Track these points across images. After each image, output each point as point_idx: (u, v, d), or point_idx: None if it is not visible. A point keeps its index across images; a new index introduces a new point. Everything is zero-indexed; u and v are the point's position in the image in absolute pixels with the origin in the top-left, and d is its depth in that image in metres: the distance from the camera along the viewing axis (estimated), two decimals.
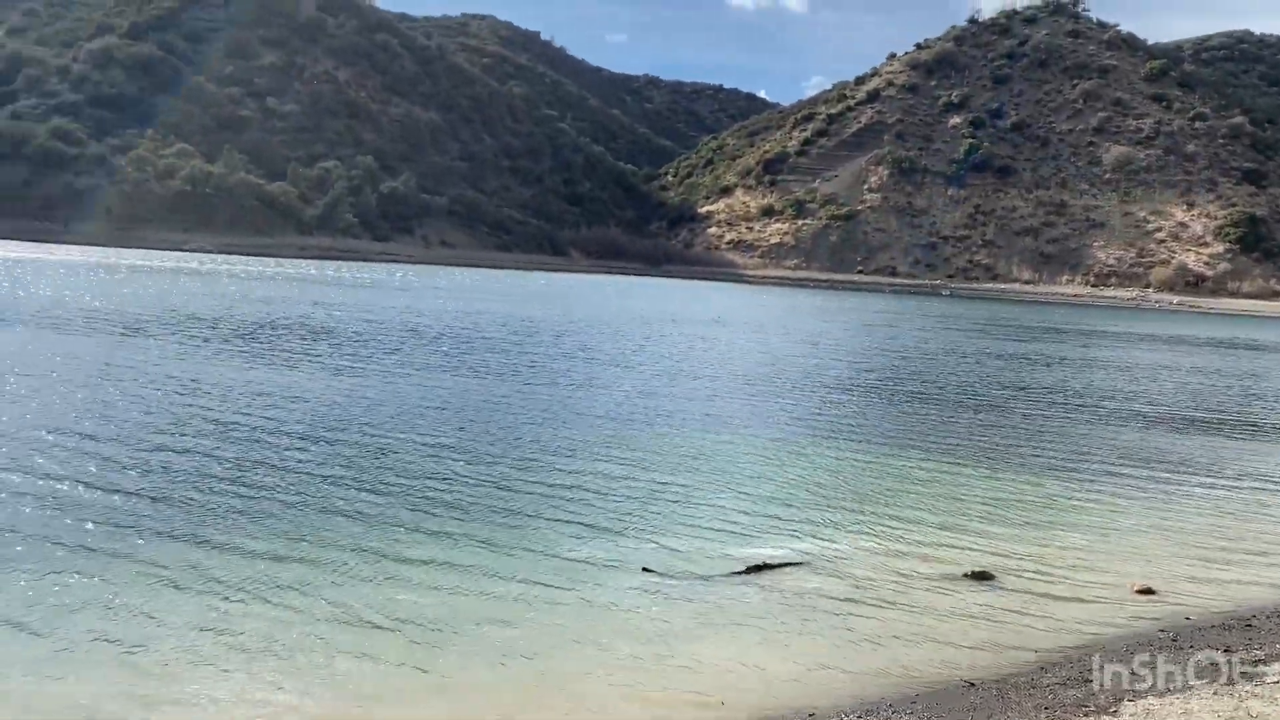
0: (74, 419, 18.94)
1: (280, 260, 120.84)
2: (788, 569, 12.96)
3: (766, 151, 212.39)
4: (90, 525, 12.70)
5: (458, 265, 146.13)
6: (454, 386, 27.05)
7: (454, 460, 17.78)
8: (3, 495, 13.68)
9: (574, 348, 41.02)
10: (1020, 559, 14.17)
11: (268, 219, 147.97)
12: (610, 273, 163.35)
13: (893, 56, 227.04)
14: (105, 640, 9.50)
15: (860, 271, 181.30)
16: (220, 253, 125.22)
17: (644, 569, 12.56)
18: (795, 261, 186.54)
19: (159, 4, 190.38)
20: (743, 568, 12.80)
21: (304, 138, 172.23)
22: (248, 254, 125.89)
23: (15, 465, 15.23)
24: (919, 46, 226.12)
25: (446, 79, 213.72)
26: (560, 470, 17.59)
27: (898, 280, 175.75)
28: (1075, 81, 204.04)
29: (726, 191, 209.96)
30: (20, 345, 29.77)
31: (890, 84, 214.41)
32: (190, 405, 21.44)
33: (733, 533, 14.51)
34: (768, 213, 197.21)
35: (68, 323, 36.19)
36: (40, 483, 14.40)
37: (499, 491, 15.86)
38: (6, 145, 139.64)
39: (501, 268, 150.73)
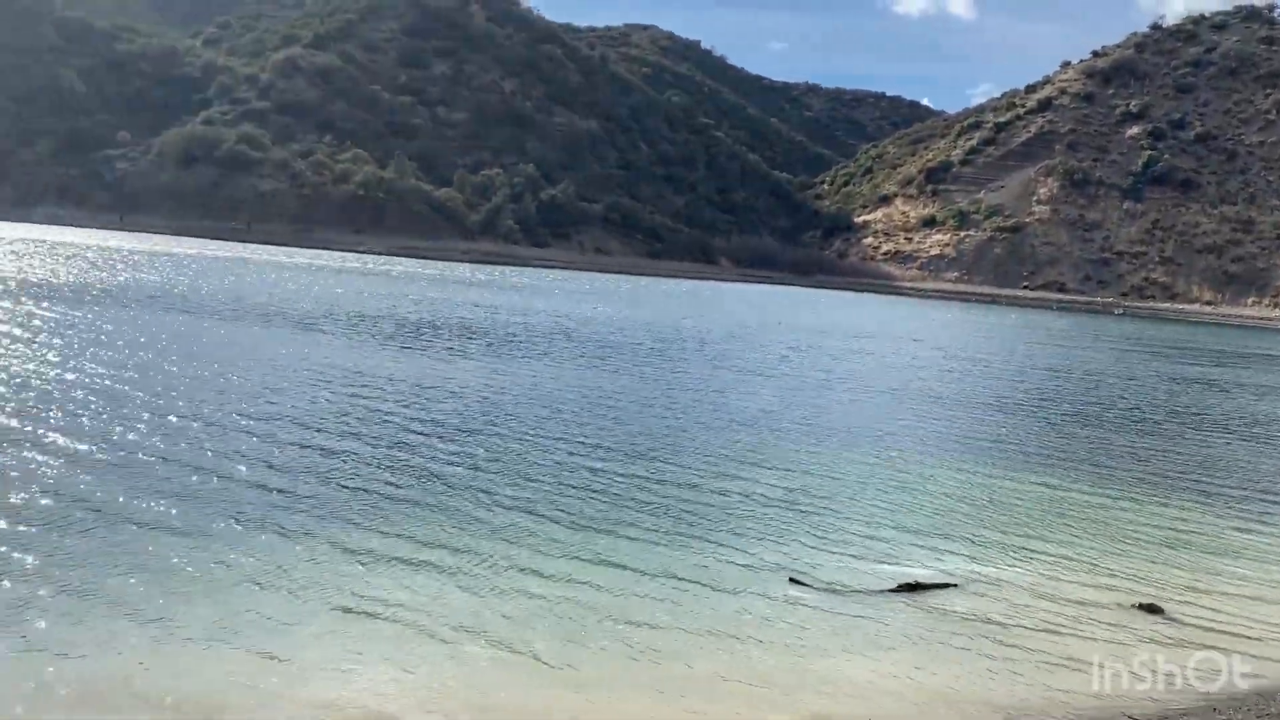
0: (243, 404, 20.07)
1: (443, 263, 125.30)
2: (940, 590, 12.51)
3: (929, 160, 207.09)
4: (248, 505, 13.33)
5: (611, 271, 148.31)
6: (602, 388, 27.39)
7: (601, 460, 17.98)
8: (170, 474, 14.58)
9: (720, 355, 40.94)
10: (1190, 592, 13.27)
11: (434, 223, 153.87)
12: (761, 282, 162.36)
13: (1067, 64, 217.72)
14: (256, 614, 9.94)
15: (1025, 286, 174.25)
16: (388, 254, 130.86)
17: (791, 580, 12.37)
18: (956, 274, 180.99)
19: (341, 16, 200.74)
20: (893, 585, 12.43)
21: (470, 145, 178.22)
22: (414, 256, 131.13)
23: (185, 445, 16.22)
24: (1096, 54, 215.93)
25: (607, 88, 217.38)
26: (709, 476, 17.54)
27: (1066, 297, 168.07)
28: (1268, 91, 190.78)
29: (885, 201, 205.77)
30: (203, 334, 31.80)
31: (1064, 92, 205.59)
32: (351, 396, 22.42)
33: (883, 549, 14.13)
34: (928, 223, 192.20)
35: (246, 315, 38.48)
36: (205, 462, 15.28)
37: (645, 493, 15.93)
38: (199, 149, 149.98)
39: (653, 275, 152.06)
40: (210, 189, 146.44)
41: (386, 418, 20.19)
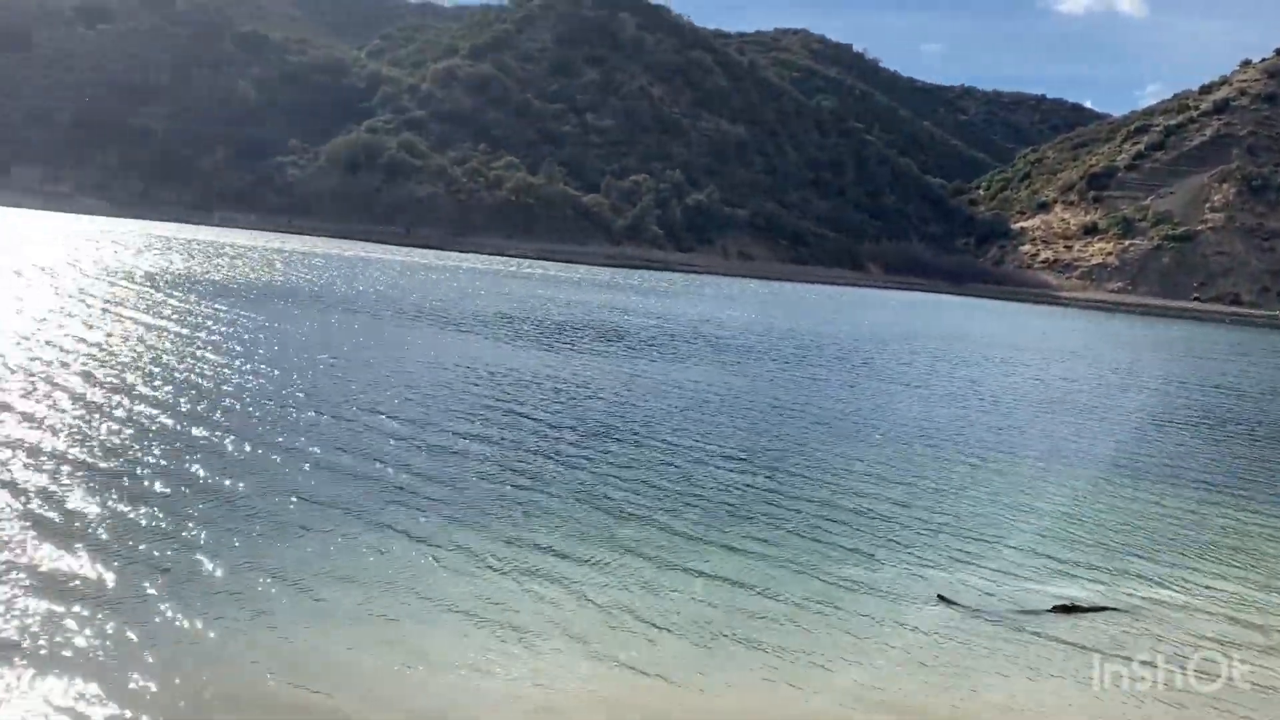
0: (388, 402, 20.80)
1: (589, 266, 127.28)
2: (1100, 614, 11.90)
3: (1092, 165, 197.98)
4: (386, 503, 13.73)
5: (755, 277, 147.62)
6: (741, 394, 27.23)
7: (738, 468, 17.86)
8: (312, 469, 15.21)
9: (864, 363, 40.16)
10: None
11: (581, 227, 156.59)
12: (910, 289, 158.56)
13: (1247, 63, 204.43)
14: (386, 615, 10.20)
15: (1196, 298, 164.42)
16: (537, 258, 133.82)
17: (939, 597, 11.99)
18: (1119, 284, 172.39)
19: (497, 27, 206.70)
20: (1048, 607, 11.89)
21: (618, 151, 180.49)
22: (560, 260, 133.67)
23: (329, 441, 16.91)
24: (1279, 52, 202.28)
25: (755, 93, 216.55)
26: (850, 487, 17.21)
27: (1241, 310, 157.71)
28: None
29: (1044, 207, 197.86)
30: (358, 331, 33.20)
31: (1243, 93, 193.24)
32: (492, 397, 22.95)
33: (1038, 569, 13.53)
34: (1089, 231, 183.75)
35: (399, 314, 39.98)
36: (345, 459, 15.88)
37: (784, 502, 15.73)
38: (363, 156, 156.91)
39: (798, 280, 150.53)
40: (372, 194, 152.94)
41: (526, 420, 20.57)
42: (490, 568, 11.53)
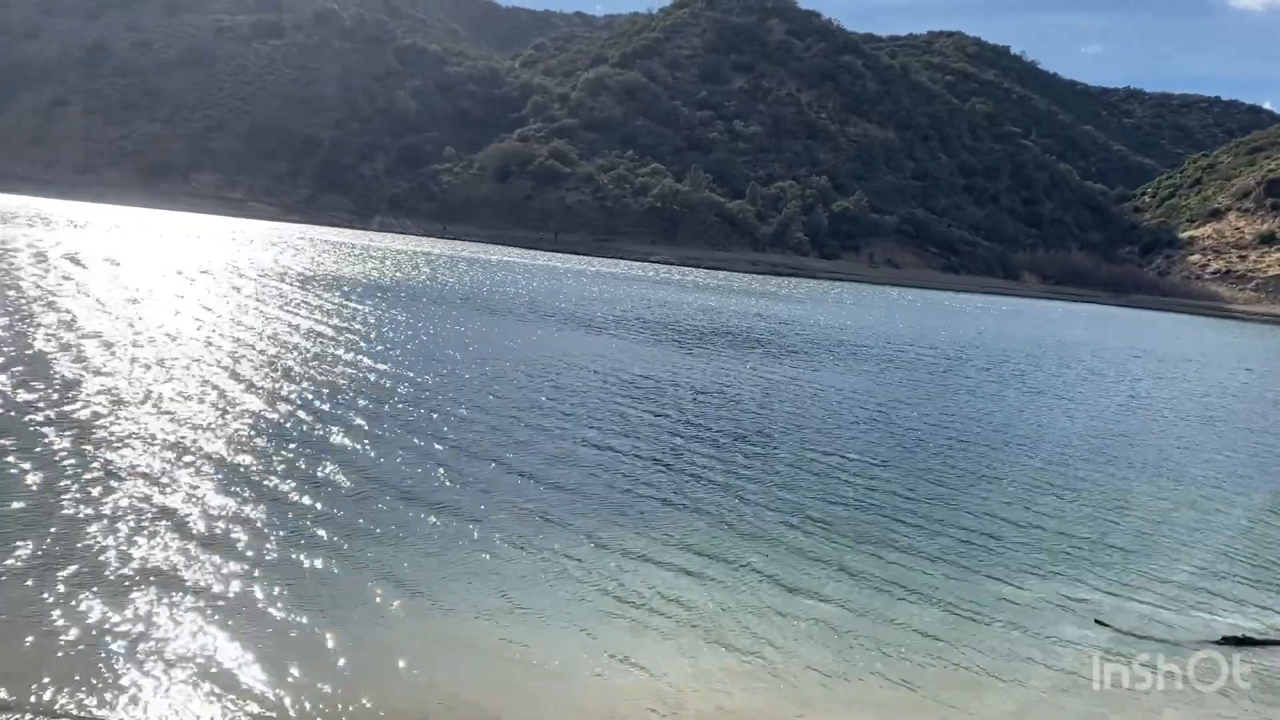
0: (530, 400, 21.18)
1: (731, 273, 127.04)
2: (1276, 647, 11.14)
3: (1271, 170, 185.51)
4: (525, 498, 13.92)
5: (903, 285, 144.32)
6: (884, 403, 26.59)
7: (883, 478, 17.38)
8: (454, 461, 15.58)
9: (1017, 375, 38.67)
10: None
11: (724, 234, 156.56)
12: (1068, 299, 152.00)
13: None
14: (517, 606, 10.36)
15: None
16: (679, 264, 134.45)
17: (1097, 621, 11.42)
18: None
19: (647, 35, 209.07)
20: (1217, 638, 11.19)
21: (764, 158, 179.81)
22: (703, 266, 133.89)
23: (472, 435, 17.28)
24: None
25: (907, 97, 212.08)
26: (1002, 501, 16.55)
27: None
28: None
29: (1215, 215, 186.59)
30: (505, 333, 34.01)
31: None
32: (632, 398, 23.04)
33: (1209, 597, 12.67)
34: (1266, 240, 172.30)
35: (546, 317, 40.79)
36: (488, 452, 16.20)
37: (931, 514, 15.21)
38: (515, 163, 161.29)
39: (948, 289, 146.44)
40: (522, 201, 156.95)
41: (664, 423, 20.61)
42: (622, 570, 11.52)
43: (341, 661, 8.64)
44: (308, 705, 7.91)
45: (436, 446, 16.17)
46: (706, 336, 40.43)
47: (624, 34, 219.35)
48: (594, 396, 22.80)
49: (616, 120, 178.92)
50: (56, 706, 7.49)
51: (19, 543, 10.14)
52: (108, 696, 7.69)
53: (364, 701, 8.10)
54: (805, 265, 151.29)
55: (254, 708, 7.79)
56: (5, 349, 20.22)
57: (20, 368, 18.48)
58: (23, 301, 27.70)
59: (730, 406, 23.51)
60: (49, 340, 21.82)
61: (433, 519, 12.49)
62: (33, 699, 7.56)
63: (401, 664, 8.75)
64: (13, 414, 15.00)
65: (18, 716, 7.29)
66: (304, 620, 9.29)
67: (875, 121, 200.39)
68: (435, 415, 18.53)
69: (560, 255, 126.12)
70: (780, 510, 14.61)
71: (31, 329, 23.16)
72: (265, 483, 13.15)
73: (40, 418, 14.92)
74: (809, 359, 36.24)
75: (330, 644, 8.93)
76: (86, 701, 7.61)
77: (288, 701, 7.92)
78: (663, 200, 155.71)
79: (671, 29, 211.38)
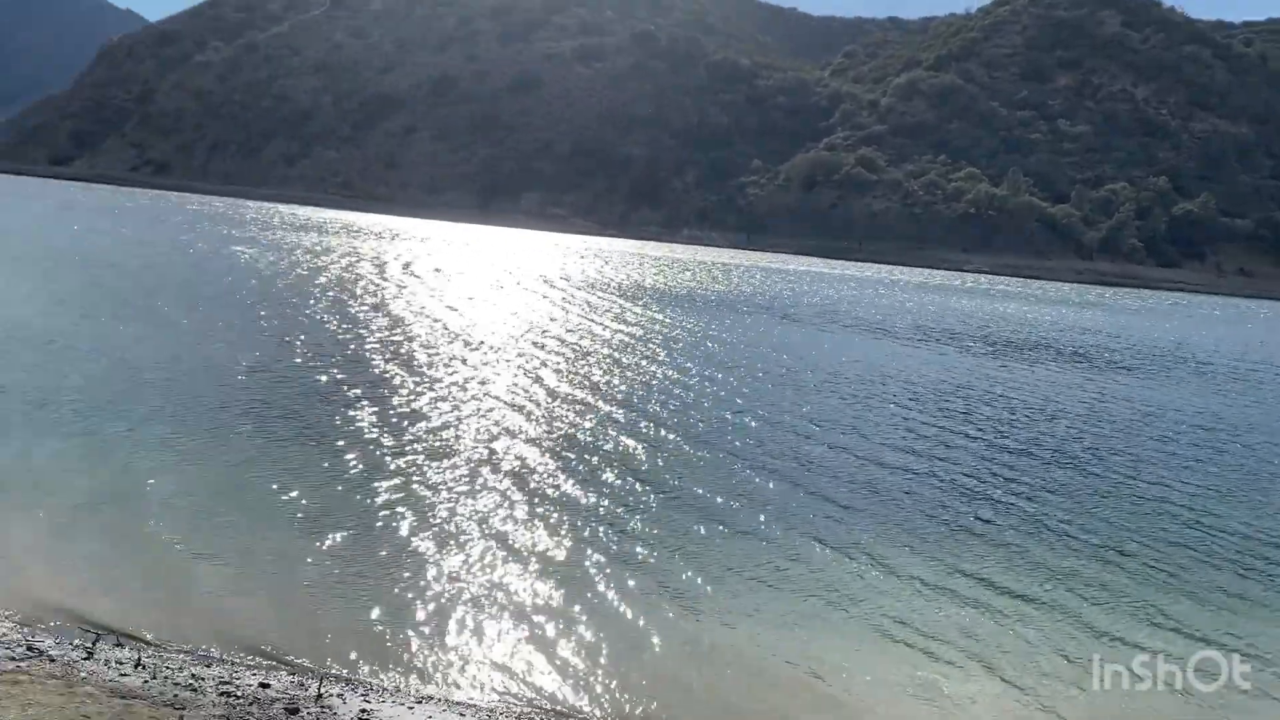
0: (823, 412, 20.55)
1: (1054, 283, 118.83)
2: None
3: None
4: (805, 512, 13.40)
5: (1260, 297, 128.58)
6: (1239, 428, 23.51)
7: (1229, 512, 15.22)
8: (743, 468, 15.26)
9: None
10: None
11: (1046, 241, 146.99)
12: None
13: None
14: (790, 624, 9.92)
15: None
16: (996, 273, 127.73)
17: None
18: None
19: (964, 35, 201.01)
20: None
21: (1092, 159, 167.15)
22: (1023, 275, 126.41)
23: (755, 445, 16.94)
24: None
25: (1265, 88, 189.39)
26: None
27: None
28: None
29: None
30: (802, 342, 33.57)
31: None
32: (934, 413, 21.82)
33: None
34: None
35: (846, 327, 39.90)
36: (769, 463, 15.77)
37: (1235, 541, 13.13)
38: (821, 173, 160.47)
39: None
40: (828, 210, 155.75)
41: (974, 439, 19.25)
42: (913, 589, 10.91)
43: (626, 668, 8.69)
44: (598, 711, 8.01)
45: (733, 450, 16.12)
46: (1026, 349, 37.91)
47: (939, 36, 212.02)
48: (898, 408, 21.88)
49: (929, 124, 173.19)
50: (390, 683, 8.02)
51: (345, 524, 11.05)
52: (435, 676, 8.18)
53: (650, 691, 8.11)
54: (1139, 274, 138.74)
55: (548, 705, 8.00)
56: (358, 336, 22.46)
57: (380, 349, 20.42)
58: (378, 300, 30.77)
59: (1049, 424, 21.72)
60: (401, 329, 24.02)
61: (725, 524, 12.42)
62: (375, 679, 8.14)
63: (692, 679, 8.66)
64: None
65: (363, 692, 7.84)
66: (599, 623, 9.47)
67: (1226, 116, 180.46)
68: (734, 420, 18.49)
69: (867, 265, 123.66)
70: (1090, 538, 13.16)
71: (388, 320, 25.62)
72: (569, 471, 13.60)
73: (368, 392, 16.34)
74: (1146, 375, 32.98)
75: (622, 631, 9.06)
76: (409, 681, 8.13)
77: (584, 704, 8.06)
78: (977, 206, 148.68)
79: (991, 28, 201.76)
